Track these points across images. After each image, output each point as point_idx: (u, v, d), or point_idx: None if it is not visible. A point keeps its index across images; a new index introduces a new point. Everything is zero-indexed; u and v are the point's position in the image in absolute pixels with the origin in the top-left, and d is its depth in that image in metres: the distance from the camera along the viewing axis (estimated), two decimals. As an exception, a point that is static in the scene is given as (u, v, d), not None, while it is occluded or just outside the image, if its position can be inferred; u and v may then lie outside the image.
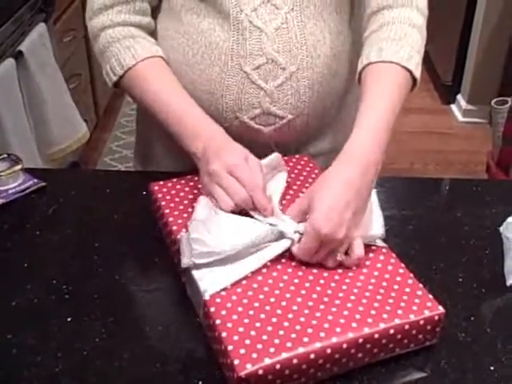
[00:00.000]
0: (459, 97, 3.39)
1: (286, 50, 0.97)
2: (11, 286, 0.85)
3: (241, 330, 0.71)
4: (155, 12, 1.06)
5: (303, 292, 0.77)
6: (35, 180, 1.05)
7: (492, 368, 0.75)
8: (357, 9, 1.06)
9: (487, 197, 1.08)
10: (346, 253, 0.81)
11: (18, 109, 1.82)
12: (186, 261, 0.79)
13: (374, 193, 0.87)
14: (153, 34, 1.06)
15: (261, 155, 0.91)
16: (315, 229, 0.78)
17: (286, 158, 1.01)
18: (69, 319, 0.80)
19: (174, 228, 0.86)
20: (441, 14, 3.58)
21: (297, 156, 1.03)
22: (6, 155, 1.08)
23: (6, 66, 1.75)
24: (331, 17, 1.00)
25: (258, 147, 0.95)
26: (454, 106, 3.43)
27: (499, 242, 0.95)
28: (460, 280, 0.89)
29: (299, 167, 1.00)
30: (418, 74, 0.95)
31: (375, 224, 0.85)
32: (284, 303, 0.75)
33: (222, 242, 0.78)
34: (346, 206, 0.80)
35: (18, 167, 1.05)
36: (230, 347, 0.69)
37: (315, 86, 1.01)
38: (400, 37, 0.95)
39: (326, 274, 0.80)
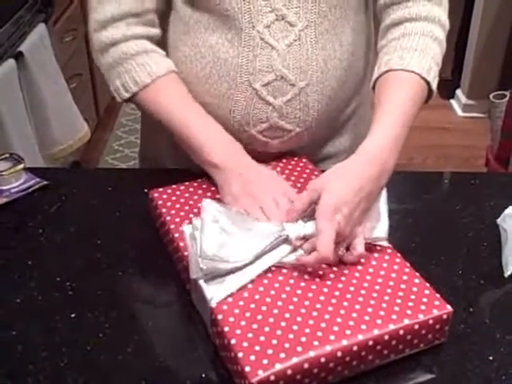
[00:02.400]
0: (459, 92, 3.40)
1: (297, 66, 0.96)
2: (15, 283, 0.86)
3: (250, 335, 0.70)
4: (163, 22, 1.03)
5: (310, 295, 0.76)
6: (37, 179, 1.06)
7: (491, 358, 0.76)
8: (368, 11, 1.05)
9: (485, 190, 1.09)
10: (347, 249, 0.82)
11: (19, 109, 1.83)
12: (194, 274, 0.78)
13: (384, 194, 0.87)
14: (160, 44, 1.02)
15: (267, 160, 0.92)
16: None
17: (284, 160, 1.02)
18: (72, 315, 0.81)
19: (176, 236, 0.85)
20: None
21: (295, 158, 1.03)
22: (8, 155, 1.09)
23: (6, 66, 1.76)
24: (343, 29, 0.99)
25: (264, 156, 0.96)
26: (453, 101, 3.43)
27: (497, 234, 0.96)
28: (459, 272, 0.90)
29: (298, 169, 1.00)
30: (434, 86, 0.95)
31: (380, 227, 0.85)
32: (291, 307, 0.74)
33: (233, 260, 0.78)
34: (357, 205, 0.81)
35: (20, 166, 1.06)
36: (240, 354, 0.68)
37: (324, 100, 1.01)
38: (422, 48, 0.94)
39: (332, 276, 0.79)
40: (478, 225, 0.99)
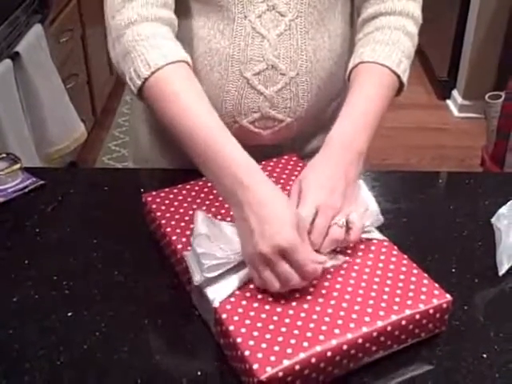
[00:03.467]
0: (455, 92, 3.40)
1: (287, 56, 0.98)
2: (12, 282, 0.87)
3: (255, 334, 0.70)
4: None
5: (312, 290, 0.77)
6: (34, 179, 1.07)
7: (485, 355, 0.77)
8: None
9: (480, 189, 1.09)
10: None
11: (16, 110, 1.83)
12: (197, 278, 0.77)
13: (363, 184, 0.88)
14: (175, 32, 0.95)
15: (258, 156, 0.91)
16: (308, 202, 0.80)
17: (274, 159, 1.02)
18: (69, 314, 0.81)
19: (174, 238, 0.85)
20: (436, 11, 3.59)
21: (285, 157, 1.03)
22: (4, 154, 1.10)
23: (2, 67, 1.77)
24: (331, 21, 1.02)
25: (255, 148, 0.96)
26: (449, 102, 3.44)
27: (491, 233, 0.96)
28: (453, 271, 0.90)
29: (289, 167, 1.01)
30: (405, 78, 0.98)
31: (371, 205, 0.86)
32: (294, 303, 0.75)
33: (229, 252, 0.78)
34: (337, 184, 0.82)
35: (17, 166, 1.07)
36: (246, 352, 0.68)
37: (314, 90, 1.02)
38: (393, 42, 0.97)
39: (332, 270, 0.80)
40: (473, 224, 1.00)
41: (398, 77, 0.96)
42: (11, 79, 1.80)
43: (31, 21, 2.03)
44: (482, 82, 3.15)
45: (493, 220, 0.98)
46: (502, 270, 0.89)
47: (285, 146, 1.07)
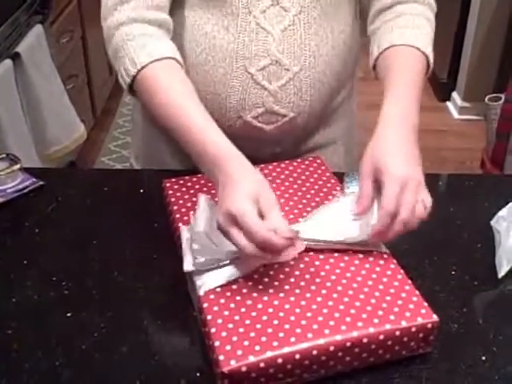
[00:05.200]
0: (455, 94, 3.40)
1: (291, 51, 0.99)
2: (11, 283, 0.87)
3: (230, 326, 0.71)
4: None
5: (297, 291, 0.76)
6: (33, 179, 1.07)
7: (484, 358, 0.77)
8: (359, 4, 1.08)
9: (479, 191, 1.09)
10: None
11: (16, 110, 1.83)
12: (187, 267, 0.79)
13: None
14: (170, 31, 0.98)
15: (261, 151, 0.91)
16: (395, 176, 0.80)
17: (298, 160, 1.02)
18: (68, 315, 0.81)
19: (180, 225, 0.87)
20: (436, 12, 3.59)
21: (310, 158, 1.03)
22: (4, 155, 1.10)
23: (3, 67, 1.77)
24: (334, 17, 1.02)
25: (259, 144, 0.96)
26: (449, 104, 3.44)
27: (491, 236, 0.96)
28: (453, 273, 0.90)
29: (311, 169, 1.00)
30: (432, 60, 1.00)
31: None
32: (277, 302, 0.75)
33: (223, 250, 0.78)
34: (410, 147, 0.85)
35: (17, 166, 1.07)
36: (216, 343, 0.69)
37: (317, 85, 1.03)
38: (418, 26, 1.00)
39: (323, 274, 0.79)
40: (472, 226, 1.00)
41: (427, 58, 0.98)
42: (11, 79, 1.80)
43: (32, 21, 2.03)
44: (481, 84, 3.15)
45: (492, 222, 0.98)
46: (502, 273, 0.89)
47: (287, 141, 1.07)
